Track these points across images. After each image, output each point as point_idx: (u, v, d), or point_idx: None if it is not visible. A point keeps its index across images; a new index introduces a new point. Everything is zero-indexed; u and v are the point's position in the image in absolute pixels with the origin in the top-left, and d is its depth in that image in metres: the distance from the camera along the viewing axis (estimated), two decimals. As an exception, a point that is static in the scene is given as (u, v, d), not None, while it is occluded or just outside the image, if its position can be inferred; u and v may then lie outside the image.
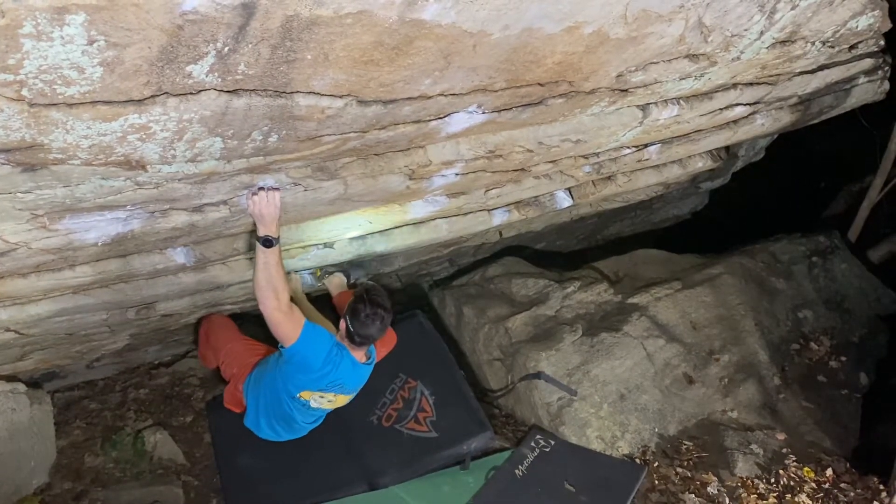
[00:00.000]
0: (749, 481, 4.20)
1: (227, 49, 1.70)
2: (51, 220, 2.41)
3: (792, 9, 2.71)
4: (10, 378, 3.98)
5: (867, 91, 4.47)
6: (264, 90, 1.96)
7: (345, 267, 4.31)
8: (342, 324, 3.31)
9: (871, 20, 3.17)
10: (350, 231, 3.70)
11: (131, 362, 5.23)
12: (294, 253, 3.75)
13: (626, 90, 3.03)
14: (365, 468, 4.06)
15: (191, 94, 1.85)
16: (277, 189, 2.80)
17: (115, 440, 4.46)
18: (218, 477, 4.22)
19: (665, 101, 3.42)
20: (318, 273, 4.21)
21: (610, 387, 4.56)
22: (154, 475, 4.28)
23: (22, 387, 4.01)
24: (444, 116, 2.69)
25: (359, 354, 3.46)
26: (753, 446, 4.45)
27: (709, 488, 4.14)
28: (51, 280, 2.91)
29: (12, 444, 3.83)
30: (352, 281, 4.35)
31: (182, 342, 5.23)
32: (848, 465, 4.37)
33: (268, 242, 2.88)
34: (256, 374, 3.75)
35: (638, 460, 4.30)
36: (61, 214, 2.41)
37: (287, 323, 3.09)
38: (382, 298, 3.29)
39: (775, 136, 5.52)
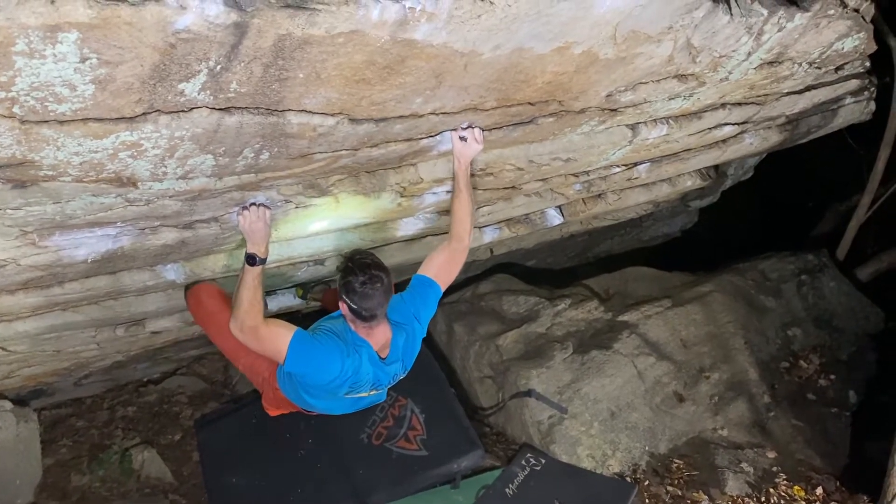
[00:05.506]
0: (740, 500, 4.19)
1: (219, 67, 1.71)
2: (40, 236, 2.40)
3: (779, 31, 2.74)
4: (-4, 395, 3.95)
5: (854, 111, 4.52)
6: (256, 108, 1.97)
7: (325, 280, 4.27)
8: (342, 307, 2.77)
9: (856, 42, 3.21)
10: (341, 248, 3.69)
11: (119, 380, 5.20)
12: (284, 269, 3.74)
13: (615, 109, 3.05)
14: (355, 487, 4.03)
15: (182, 111, 1.85)
16: (268, 207, 2.79)
17: (102, 459, 4.42)
18: (206, 496, 4.18)
19: (654, 120, 3.44)
20: (300, 292, 4.18)
21: (600, 405, 4.55)
22: (141, 494, 4.24)
23: (8, 404, 3.99)
24: (436, 135, 2.71)
25: (378, 337, 2.84)
26: (744, 465, 4.45)
27: (699, 507, 4.14)
28: (39, 297, 2.89)
29: (-3, 462, 3.80)
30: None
31: (171, 359, 5.20)
32: (838, 483, 4.37)
33: (250, 259, 2.75)
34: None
35: (628, 479, 4.29)
36: (51, 231, 2.40)
37: (255, 342, 2.76)
38: (371, 258, 2.78)
39: (764, 155, 5.56)
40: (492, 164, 3.28)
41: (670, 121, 3.50)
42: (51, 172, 1.92)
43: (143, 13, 1.45)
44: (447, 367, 5.09)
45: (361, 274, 2.67)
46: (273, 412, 3.46)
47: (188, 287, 3.43)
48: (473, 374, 5.04)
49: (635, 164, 4.11)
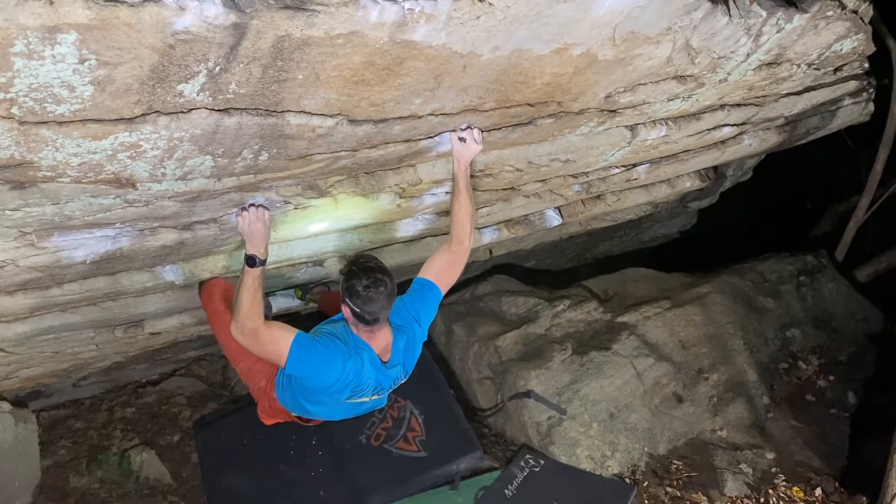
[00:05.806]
0: (739, 501, 4.19)
1: (218, 68, 1.71)
2: (39, 237, 2.40)
3: (777, 32, 2.74)
4: (-5, 397, 3.95)
5: (852, 112, 4.52)
6: (255, 109, 1.97)
7: (325, 281, 4.26)
8: (344, 310, 2.75)
9: (854, 43, 3.21)
10: (340, 249, 3.69)
11: (118, 381, 5.19)
12: (283, 271, 3.74)
13: (614, 111, 3.05)
14: (354, 488, 4.02)
15: (182, 112, 1.85)
16: (267, 208, 2.79)
17: (100, 460, 4.42)
18: (205, 497, 4.18)
19: (653, 121, 3.44)
20: (299, 293, 4.17)
21: (599, 406, 4.55)
22: (140, 495, 4.24)
23: (6, 406, 3.98)
24: (435, 136, 2.71)
25: (379, 340, 2.82)
26: (743, 466, 4.45)
27: (699, 508, 4.14)
28: (38, 298, 2.89)
29: (-4, 463, 3.79)
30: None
31: (169, 361, 5.19)
32: (837, 484, 4.37)
33: (250, 261, 2.73)
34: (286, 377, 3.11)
35: (628, 480, 4.29)
36: (50, 232, 2.40)
37: (256, 345, 2.74)
38: (374, 261, 2.76)
39: (763, 157, 5.57)
40: (491, 166, 3.28)
41: (669, 122, 3.51)
42: (49, 173, 1.92)
43: (141, 14, 1.45)
44: (446, 369, 5.08)
45: (365, 277, 2.65)
46: (268, 421, 3.42)
47: (202, 282, 3.44)
48: (472, 375, 5.03)
49: (634, 166, 4.11)
